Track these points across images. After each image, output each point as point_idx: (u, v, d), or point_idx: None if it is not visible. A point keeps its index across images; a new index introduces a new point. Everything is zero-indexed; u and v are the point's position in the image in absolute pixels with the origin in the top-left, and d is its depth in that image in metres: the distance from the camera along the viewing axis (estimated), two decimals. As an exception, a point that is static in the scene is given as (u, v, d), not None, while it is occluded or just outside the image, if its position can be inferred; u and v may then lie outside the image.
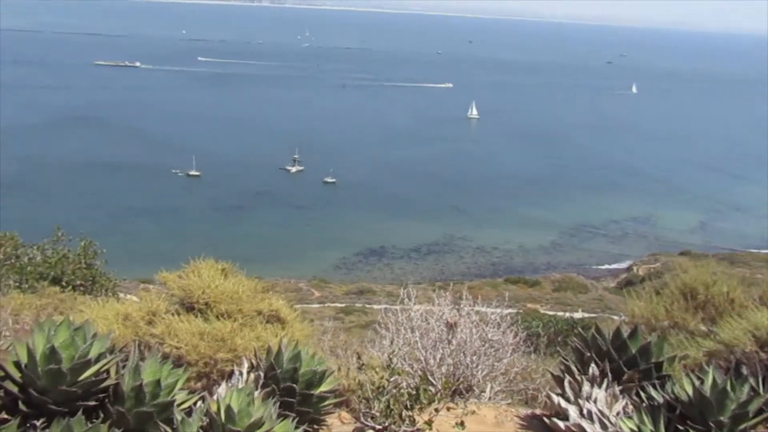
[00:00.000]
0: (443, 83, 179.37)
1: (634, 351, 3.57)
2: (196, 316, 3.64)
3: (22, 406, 2.58)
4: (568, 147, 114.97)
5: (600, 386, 3.35)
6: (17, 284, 8.13)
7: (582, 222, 77.99)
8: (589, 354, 3.69)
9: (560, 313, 43.28)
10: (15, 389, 2.59)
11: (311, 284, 55.71)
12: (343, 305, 49.76)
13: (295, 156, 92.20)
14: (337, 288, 55.52)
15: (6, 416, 2.54)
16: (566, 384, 3.45)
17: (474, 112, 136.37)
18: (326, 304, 50.39)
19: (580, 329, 4.29)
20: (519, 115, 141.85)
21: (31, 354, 2.59)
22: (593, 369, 3.48)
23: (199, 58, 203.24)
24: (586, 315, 44.28)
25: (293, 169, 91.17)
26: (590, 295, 56.64)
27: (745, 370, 3.22)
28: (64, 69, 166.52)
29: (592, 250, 71.92)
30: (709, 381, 2.97)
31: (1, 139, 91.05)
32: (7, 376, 2.58)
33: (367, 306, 48.33)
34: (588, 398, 3.34)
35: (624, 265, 66.80)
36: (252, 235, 67.57)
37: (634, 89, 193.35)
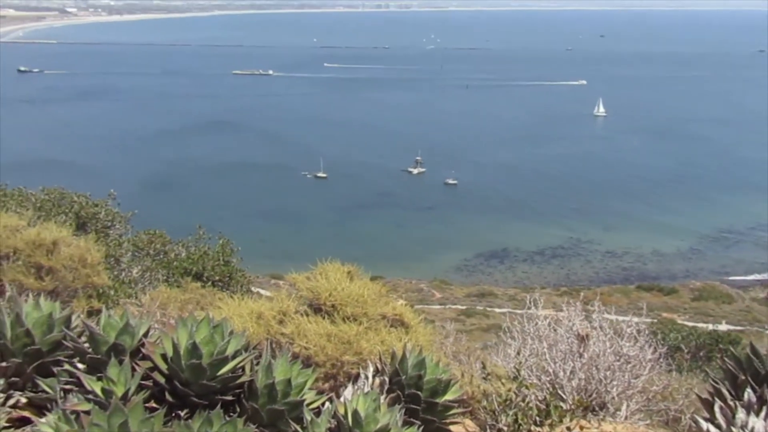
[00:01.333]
0: (576, 80, 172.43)
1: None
2: (324, 318, 3.73)
3: (168, 397, 2.78)
4: (715, 144, 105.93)
5: (758, 414, 3.00)
6: (165, 278, 8.91)
7: (725, 226, 71.40)
8: (744, 377, 3.32)
9: (701, 325, 39.98)
10: (162, 380, 2.78)
11: (432, 285, 55.96)
12: (464, 307, 49.51)
13: (417, 158, 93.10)
14: (458, 290, 55.31)
15: (155, 404, 2.74)
16: (717, 409, 3.12)
17: (601, 110, 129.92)
18: (447, 306, 50.41)
19: (730, 346, 3.86)
20: (653, 111, 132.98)
21: (176, 348, 2.78)
22: (749, 394, 3.11)
23: (326, 65, 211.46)
24: (732, 328, 40.53)
25: (415, 171, 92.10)
26: (736, 305, 51.89)
27: None
28: (204, 79, 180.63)
29: (737, 257, 65.68)
30: None
31: (150, 144, 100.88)
32: (156, 368, 2.79)
33: (489, 309, 47.70)
34: (743, 427, 3.00)
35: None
36: (376, 235, 69.17)
37: None
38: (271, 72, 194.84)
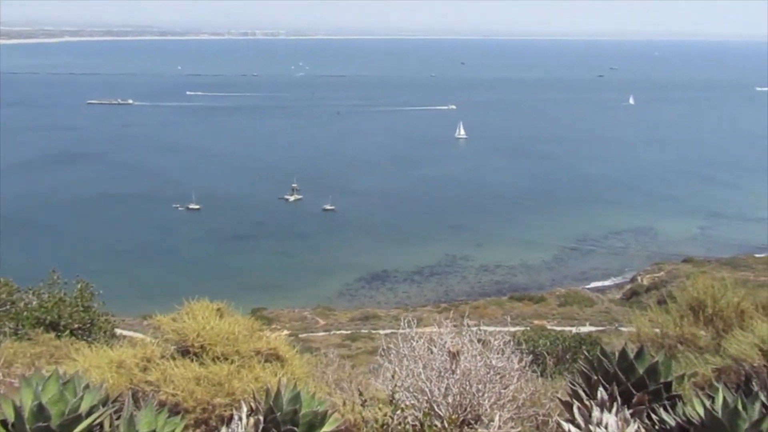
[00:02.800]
0: (446, 105, 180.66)
1: (641, 372, 3.49)
2: (192, 360, 3.55)
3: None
4: (565, 162, 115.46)
5: (610, 411, 3.26)
6: (13, 331, 8.03)
7: (583, 236, 77.93)
8: (596, 377, 3.61)
9: (568, 329, 42.98)
10: (4, 450, 2.50)
11: (316, 312, 55.45)
12: (348, 332, 49.50)
13: (294, 185, 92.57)
14: (342, 315, 55.25)
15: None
16: (575, 410, 3.35)
17: (462, 132, 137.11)
18: (332, 332, 50.13)
19: (585, 352, 4.19)
20: (509, 132, 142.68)
21: (18, 412, 2.51)
22: (602, 393, 3.39)
23: (188, 93, 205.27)
24: (594, 329, 43.92)
25: (292, 198, 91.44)
26: (597, 308, 56.32)
27: (755, 386, 3.14)
28: (56, 109, 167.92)
29: (595, 263, 71.73)
30: (719, 400, 2.88)
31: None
32: (-4, 437, 2.50)
33: (373, 331, 48.00)
34: (599, 424, 3.24)
35: (628, 276, 66.57)
36: (255, 266, 67.49)
37: (631, 101, 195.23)
38: (131, 101, 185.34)
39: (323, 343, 45.24)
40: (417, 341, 4.81)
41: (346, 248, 72.80)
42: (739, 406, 2.75)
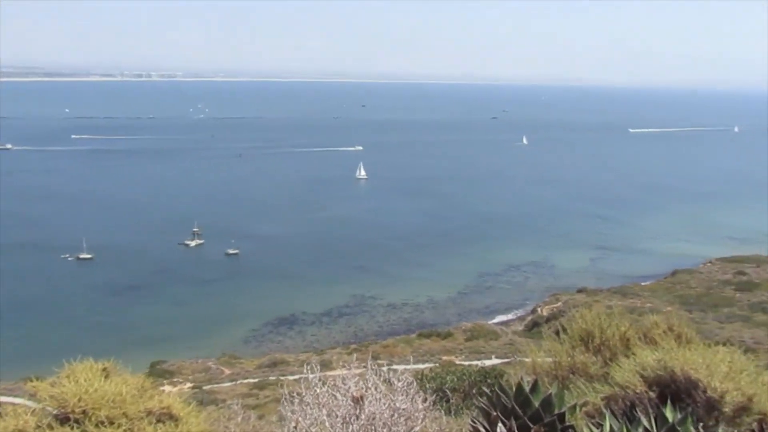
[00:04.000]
0: (353, 146, 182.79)
1: (537, 405, 3.60)
2: (73, 428, 3.26)
3: None
4: (464, 200, 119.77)
5: (508, 446, 3.33)
6: None
7: (485, 271, 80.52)
8: (495, 413, 3.68)
9: (475, 363, 43.81)
10: None
11: (221, 362, 53.12)
12: (256, 380, 47.71)
13: (195, 229, 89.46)
14: (249, 362, 53.26)
15: None
16: (476, 447, 3.40)
17: (362, 173, 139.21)
18: (238, 382, 48.11)
19: (485, 388, 4.25)
20: (407, 172, 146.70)
21: None
22: (501, 429, 3.46)
23: (73, 136, 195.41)
24: (499, 361, 45.10)
25: (193, 243, 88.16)
26: (501, 340, 57.91)
27: (639, 412, 3.32)
28: None
29: (498, 296, 74.12)
30: (606, 429, 3.03)
31: None
32: None
33: (282, 378, 46.60)
34: (498, 460, 3.30)
35: (529, 307, 69.23)
36: (153, 317, 63.96)
37: (524, 141, 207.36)
38: (9, 146, 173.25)
39: (229, 393, 43.28)
40: (321, 387, 4.70)
41: (251, 293, 70.84)
42: (624, 432, 2.90)
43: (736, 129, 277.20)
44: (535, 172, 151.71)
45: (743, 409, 3.35)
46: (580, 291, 70.02)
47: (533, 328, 61.98)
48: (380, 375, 4.86)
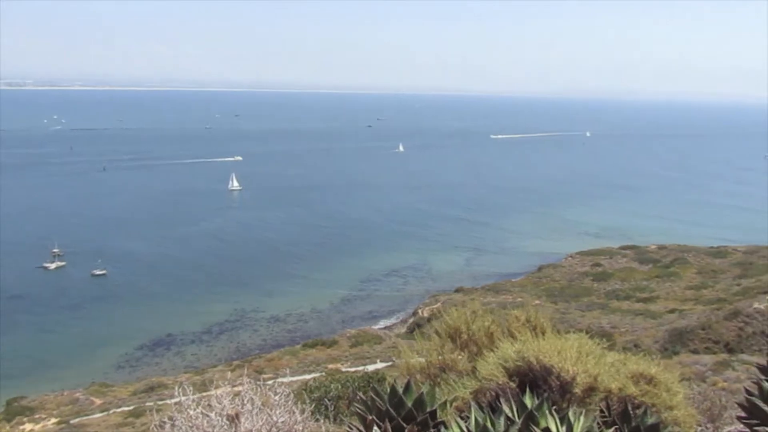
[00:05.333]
0: (232, 156, 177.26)
1: (410, 405, 3.72)
2: None
3: None
4: (342, 209, 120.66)
5: (384, 448, 3.41)
6: None
7: (366, 277, 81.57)
8: (370, 417, 3.75)
9: (360, 368, 44.19)
10: None
11: (90, 391, 49.16)
12: (131, 407, 44.72)
13: (55, 250, 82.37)
14: (122, 390, 49.78)
15: None
16: (353, 453, 3.44)
17: (235, 184, 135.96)
18: (111, 411, 44.82)
19: (360, 393, 4.29)
20: (288, 181, 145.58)
21: None
22: (376, 431, 3.54)
23: None
24: (383, 365, 45.86)
25: (53, 266, 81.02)
26: (385, 344, 58.84)
27: (502, 402, 3.54)
28: None
29: (380, 301, 75.31)
30: (472, 421, 3.20)
31: None
32: None
33: (160, 402, 44.11)
34: (374, 463, 3.36)
35: (410, 310, 71.03)
36: (9, 348, 57.93)
37: (401, 148, 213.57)
38: None
39: (101, 425, 40.32)
40: (194, 409, 4.52)
41: (122, 315, 66.48)
42: (488, 423, 3.08)
43: (587, 134, 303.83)
44: (411, 178, 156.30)
45: (591, 389, 3.70)
46: (457, 290, 72.95)
47: (415, 329, 63.68)
48: (257, 389, 4.77)
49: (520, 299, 68.18)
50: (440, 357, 4.83)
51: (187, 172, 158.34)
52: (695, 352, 45.79)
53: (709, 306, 57.13)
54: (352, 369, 45.50)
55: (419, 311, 68.32)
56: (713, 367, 36.42)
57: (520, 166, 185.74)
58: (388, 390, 3.82)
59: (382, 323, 68.65)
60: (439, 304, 68.93)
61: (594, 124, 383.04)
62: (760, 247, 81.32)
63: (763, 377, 4.84)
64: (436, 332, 5.12)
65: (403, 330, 66.07)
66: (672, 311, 59.22)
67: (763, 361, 6.08)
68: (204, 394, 5.11)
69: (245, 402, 4.36)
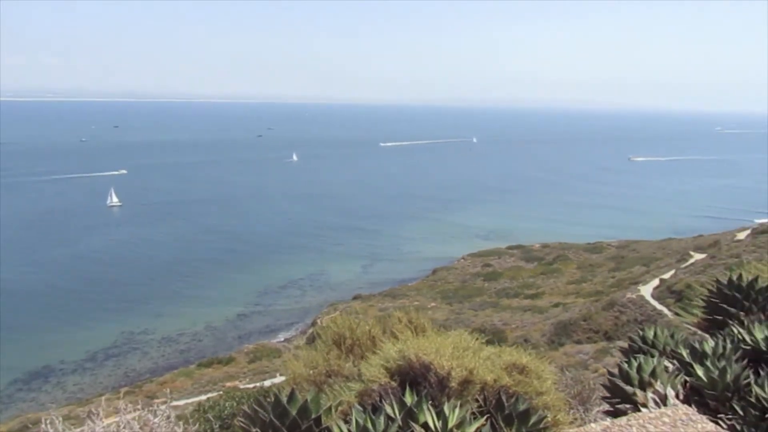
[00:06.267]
0: (116, 170, 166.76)
1: (294, 413, 3.70)
2: None
3: None
4: (235, 221, 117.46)
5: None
6: None
7: (263, 290, 79.94)
8: (255, 429, 3.69)
9: (260, 384, 43.11)
10: None
11: (-50, 442, 44.29)
12: (4, 449, 40.80)
13: None
14: (-7, 431, 45.34)
15: None
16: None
17: (115, 200, 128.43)
18: (-20, 456, 40.62)
19: (245, 407, 4.22)
20: (175, 195, 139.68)
21: None
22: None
23: None
24: (283, 378, 45.11)
25: None
26: (285, 357, 57.88)
27: (384, 402, 3.61)
28: None
29: (278, 314, 74.00)
30: (353, 423, 3.24)
31: None
32: None
33: (39, 440, 40.50)
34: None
35: (309, 320, 70.41)
36: None
37: (294, 158, 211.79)
38: None
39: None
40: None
41: (-11, 350, 60.58)
42: (368, 424, 3.13)
43: (474, 140, 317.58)
44: (305, 188, 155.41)
45: (467, 382, 3.87)
46: (355, 298, 73.35)
47: (314, 340, 63.06)
48: (136, 415, 4.53)
49: (416, 302, 69.64)
50: (326, 363, 4.84)
51: (61, 188, 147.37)
52: (578, 342, 48.89)
53: (589, 298, 61.32)
54: (251, 385, 44.32)
55: (318, 321, 67.90)
56: (594, 355, 39.18)
57: (410, 173, 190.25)
58: (272, 400, 3.78)
59: (281, 336, 67.49)
60: (337, 312, 68.89)
61: (480, 130, 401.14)
62: (630, 241, 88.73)
63: (624, 359, 5.27)
64: (321, 339, 5.13)
65: (303, 341, 65.33)
66: (556, 305, 62.95)
67: (626, 345, 6.62)
68: (108, 420, 4.78)
69: (122, 428, 4.13)
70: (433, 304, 70.22)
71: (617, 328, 51.42)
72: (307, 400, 3.78)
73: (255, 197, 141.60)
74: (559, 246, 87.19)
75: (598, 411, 5.68)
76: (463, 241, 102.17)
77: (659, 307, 50.44)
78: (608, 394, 4.71)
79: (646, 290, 55.85)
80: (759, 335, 4.92)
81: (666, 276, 59.03)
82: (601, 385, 5.02)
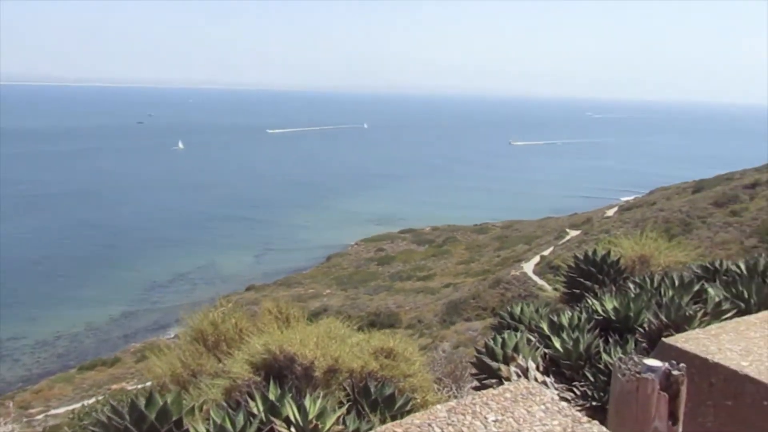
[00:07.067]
0: None
1: (153, 417, 3.50)
2: None
3: None
4: (111, 215, 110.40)
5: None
6: None
7: (148, 287, 76.01)
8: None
9: (148, 384, 41.11)
10: None
11: None
12: None
13: None
14: None
15: None
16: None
17: None
18: None
19: (97, 413, 3.95)
20: (49, 187, 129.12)
21: None
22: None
23: None
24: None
25: None
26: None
27: (248, 397, 3.52)
28: None
29: (167, 309, 70.65)
30: (216, 421, 3.13)
31: None
32: None
33: None
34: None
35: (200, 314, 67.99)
36: None
37: (180, 145, 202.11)
38: None
39: None
40: None
41: None
42: (226, 423, 3.02)
43: (365, 126, 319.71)
44: (191, 177, 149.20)
45: (332, 371, 3.87)
46: (248, 289, 71.83)
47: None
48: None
49: (312, 290, 69.51)
50: (184, 363, 4.64)
51: None
52: (468, 320, 51.02)
53: (477, 277, 64.12)
54: (140, 386, 42.09)
55: (210, 315, 65.79)
56: (482, 332, 41.05)
57: (300, 160, 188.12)
58: (128, 404, 3.55)
59: (171, 332, 64.69)
60: (230, 305, 67.03)
61: (371, 115, 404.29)
62: (513, 222, 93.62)
63: (491, 336, 5.51)
64: (180, 338, 4.92)
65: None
66: (447, 286, 65.27)
67: (496, 322, 6.93)
68: None
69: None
70: (328, 291, 70.41)
71: (503, 304, 54.09)
72: (167, 401, 3.60)
73: (137, 188, 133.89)
74: (449, 228, 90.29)
75: (470, 388, 5.91)
76: (356, 227, 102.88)
77: (540, 282, 53.75)
78: (476, 371, 4.90)
79: (529, 267, 59.30)
80: (609, 306, 5.31)
81: (546, 253, 62.98)
82: (469, 362, 5.22)
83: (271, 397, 3.22)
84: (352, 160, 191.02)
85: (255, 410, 3.22)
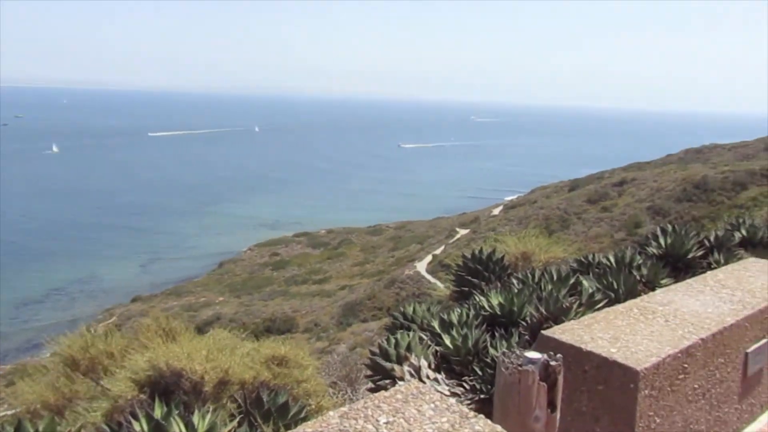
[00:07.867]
0: None
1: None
2: None
3: None
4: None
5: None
6: None
7: (18, 303, 69.74)
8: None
9: (19, 409, 37.77)
10: None
11: None
12: None
13: None
14: None
15: None
16: None
17: None
18: None
19: None
20: None
21: None
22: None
23: None
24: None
25: None
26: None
27: (131, 418, 3.33)
28: None
29: (41, 327, 65.07)
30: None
31: None
32: None
33: None
34: None
35: (80, 329, 63.36)
36: None
37: (55, 149, 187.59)
38: None
39: None
40: None
41: None
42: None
43: (256, 129, 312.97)
44: (69, 183, 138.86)
45: (223, 383, 3.75)
46: (134, 300, 68.11)
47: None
48: None
49: (203, 298, 67.09)
50: (56, 392, 4.31)
51: None
52: (364, 320, 51.43)
53: (372, 278, 64.83)
54: (10, 412, 38.61)
55: (92, 329, 61.49)
56: (378, 332, 41.54)
57: (184, 165, 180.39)
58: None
59: (47, 352, 59.69)
60: (114, 318, 63.20)
61: (263, 118, 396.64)
62: (406, 222, 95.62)
63: (384, 337, 5.58)
64: (47, 367, 4.57)
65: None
66: (343, 288, 65.45)
67: (389, 322, 7.04)
68: None
69: None
70: (221, 298, 68.33)
71: (398, 303, 55.16)
72: (38, 429, 3.32)
73: (3, 196, 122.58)
74: (344, 231, 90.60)
75: (365, 390, 5.96)
76: (249, 232, 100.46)
77: (433, 280, 55.27)
78: (370, 372, 4.95)
79: (422, 266, 60.83)
80: (494, 301, 5.57)
81: (437, 252, 64.89)
82: (364, 364, 5.26)
83: (157, 415, 3.06)
84: (243, 164, 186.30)
85: (139, 430, 3.05)
